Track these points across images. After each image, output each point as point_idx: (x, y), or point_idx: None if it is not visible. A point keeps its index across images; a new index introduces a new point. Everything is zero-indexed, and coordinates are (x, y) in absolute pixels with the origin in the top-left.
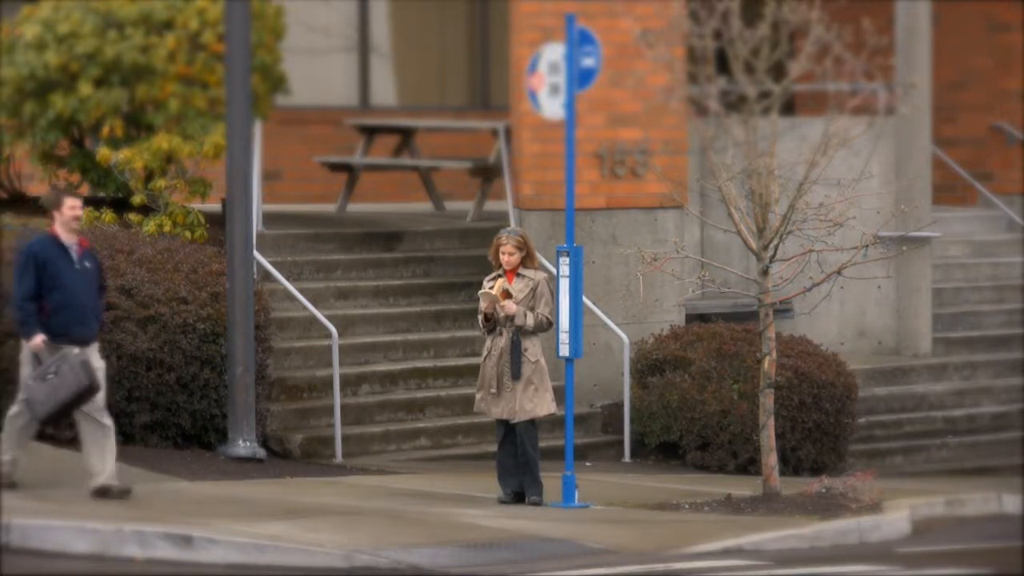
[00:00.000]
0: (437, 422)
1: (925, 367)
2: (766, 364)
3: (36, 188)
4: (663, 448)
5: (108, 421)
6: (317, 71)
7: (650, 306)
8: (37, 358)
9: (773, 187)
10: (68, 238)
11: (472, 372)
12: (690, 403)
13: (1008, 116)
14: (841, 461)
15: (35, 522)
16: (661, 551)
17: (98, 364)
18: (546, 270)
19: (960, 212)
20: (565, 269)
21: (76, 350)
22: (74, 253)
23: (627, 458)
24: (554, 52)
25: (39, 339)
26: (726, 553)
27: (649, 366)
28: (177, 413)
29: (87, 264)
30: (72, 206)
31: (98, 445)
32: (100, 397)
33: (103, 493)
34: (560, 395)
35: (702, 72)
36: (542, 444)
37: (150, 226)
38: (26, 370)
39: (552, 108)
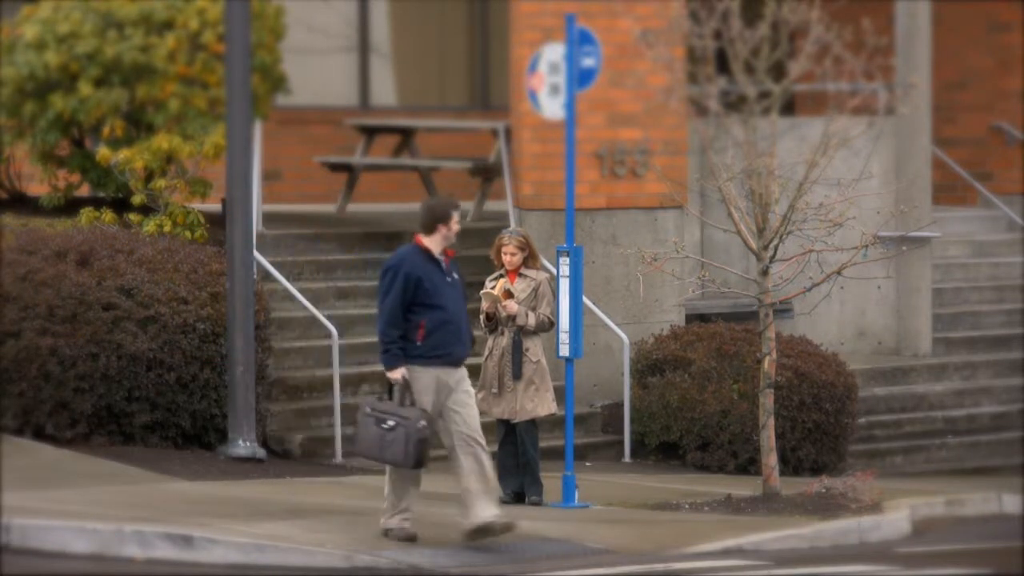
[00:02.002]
0: None
1: (925, 367)
2: (766, 364)
3: (36, 188)
4: (663, 448)
5: (471, 429)
6: (317, 71)
7: (650, 306)
8: (391, 387)
9: (773, 187)
10: (437, 250)
11: (472, 372)
12: (690, 403)
13: (1008, 116)
14: (841, 461)
15: (35, 522)
16: (661, 551)
17: (468, 391)
18: (546, 270)
19: (960, 212)
20: (565, 269)
21: (422, 422)
22: (444, 265)
23: (627, 458)
24: (554, 52)
25: (399, 373)
26: (726, 553)
27: (649, 366)
28: (177, 413)
29: (455, 275)
30: (457, 220)
31: (471, 473)
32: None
33: (482, 531)
34: (560, 395)
35: (702, 72)
36: (542, 444)
37: (150, 226)
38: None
39: (552, 108)
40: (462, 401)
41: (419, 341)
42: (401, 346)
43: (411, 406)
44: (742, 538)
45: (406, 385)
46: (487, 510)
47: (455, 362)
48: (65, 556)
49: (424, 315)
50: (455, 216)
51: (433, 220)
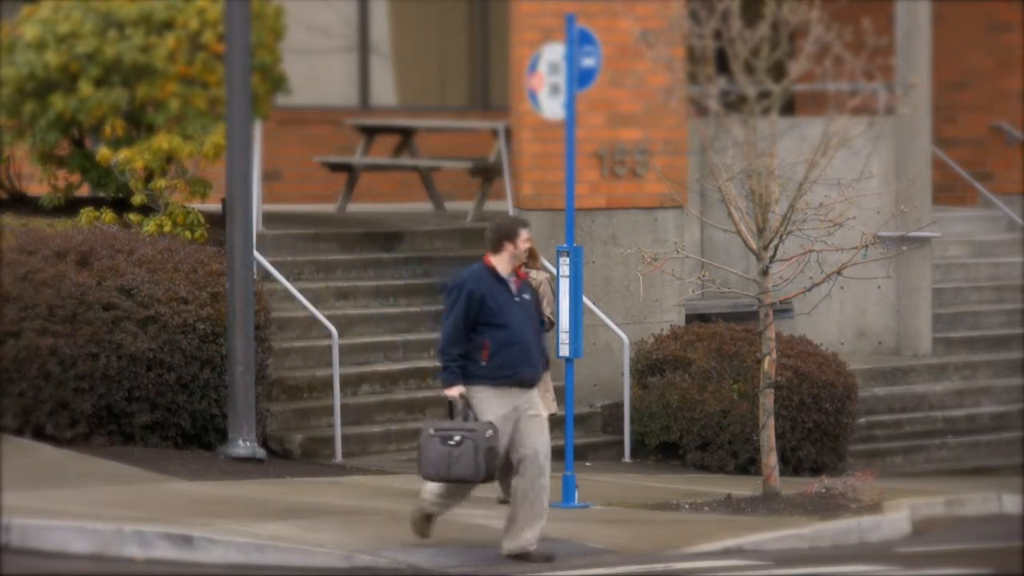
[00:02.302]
0: None
1: (925, 367)
2: (766, 364)
3: (36, 188)
4: (663, 448)
5: (543, 450)
6: (317, 71)
7: (650, 306)
8: (451, 405)
9: (773, 187)
10: (506, 270)
11: None
12: (690, 403)
13: (1008, 116)
14: (841, 461)
15: (35, 522)
16: (661, 551)
17: (537, 415)
18: (547, 270)
19: (960, 212)
20: (565, 269)
21: (490, 432)
22: (512, 285)
23: (627, 458)
24: (554, 52)
25: (457, 391)
26: (726, 553)
27: (649, 366)
28: (177, 413)
29: (526, 296)
30: (527, 239)
31: (526, 496)
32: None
33: (520, 557)
34: (560, 395)
35: (702, 72)
36: None
37: (150, 226)
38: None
39: (552, 108)
40: (527, 428)
41: (484, 361)
42: (461, 364)
43: (475, 420)
44: (742, 538)
45: (466, 402)
46: (528, 535)
47: (522, 383)
48: (65, 556)
49: (488, 335)
50: (523, 234)
51: (499, 238)
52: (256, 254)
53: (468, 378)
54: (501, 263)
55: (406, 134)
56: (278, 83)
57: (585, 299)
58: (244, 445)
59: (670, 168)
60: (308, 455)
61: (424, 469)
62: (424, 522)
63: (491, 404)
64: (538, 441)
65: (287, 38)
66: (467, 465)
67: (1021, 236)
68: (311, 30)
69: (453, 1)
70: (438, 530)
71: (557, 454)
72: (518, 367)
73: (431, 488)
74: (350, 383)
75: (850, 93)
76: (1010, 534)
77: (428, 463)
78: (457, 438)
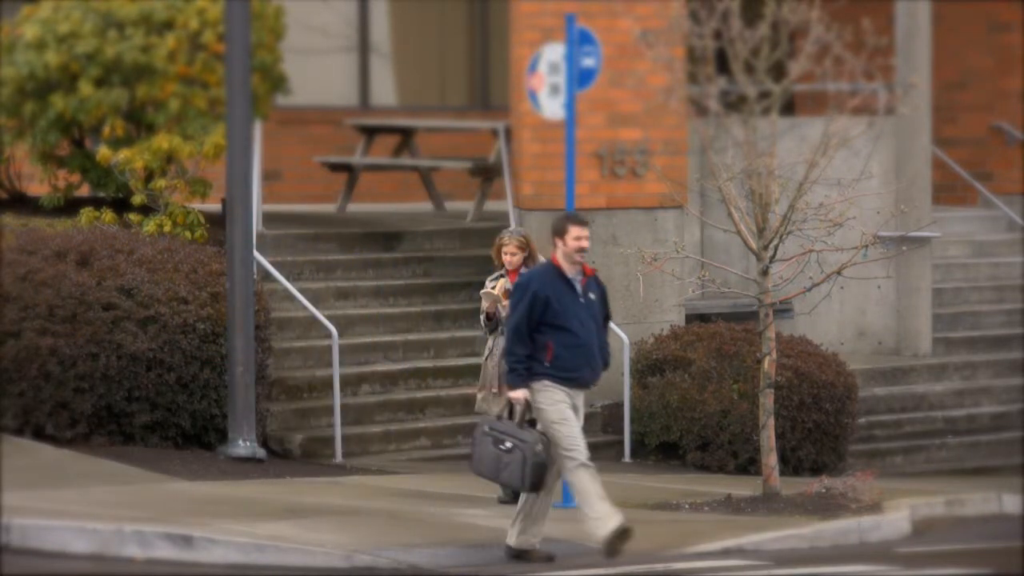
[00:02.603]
0: (437, 422)
1: (925, 367)
2: (766, 364)
3: (36, 188)
4: (663, 448)
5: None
6: (317, 71)
7: (650, 306)
8: (511, 406)
9: (773, 187)
10: (571, 269)
11: (472, 372)
12: (690, 403)
13: (1008, 116)
14: (841, 461)
15: (35, 522)
16: (661, 551)
17: (580, 410)
18: None
19: (960, 212)
20: None
21: (540, 446)
22: (578, 285)
23: (627, 458)
24: (554, 52)
25: (522, 394)
26: (726, 553)
27: (649, 366)
28: (177, 413)
29: (591, 296)
30: (578, 236)
31: (548, 497)
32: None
33: (523, 554)
34: None
35: (702, 72)
36: None
37: (150, 226)
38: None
39: (552, 108)
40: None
41: (547, 362)
42: (527, 366)
43: (530, 428)
44: (742, 538)
45: (527, 407)
46: (533, 537)
47: (583, 385)
48: (65, 556)
49: (551, 336)
50: (572, 230)
51: (552, 235)
52: (256, 254)
53: (532, 374)
54: (563, 262)
55: (406, 134)
56: (278, 83)
57: None
58: (244, 445)
59: (670, 168)
60: (308, 455)
61: (475, 465)
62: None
63: (554, 393)
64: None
65: (287, 38)
66: (514, 474)
67: (1021, 236)
68: (311, 30)
69: (453, 1)
70: (438, 530)
71: None
72: (579, 369)
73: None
74: (350, 383)
75: (850, 93)
76: (1010, 534)
77: (479, 460)
78: (508, 445)
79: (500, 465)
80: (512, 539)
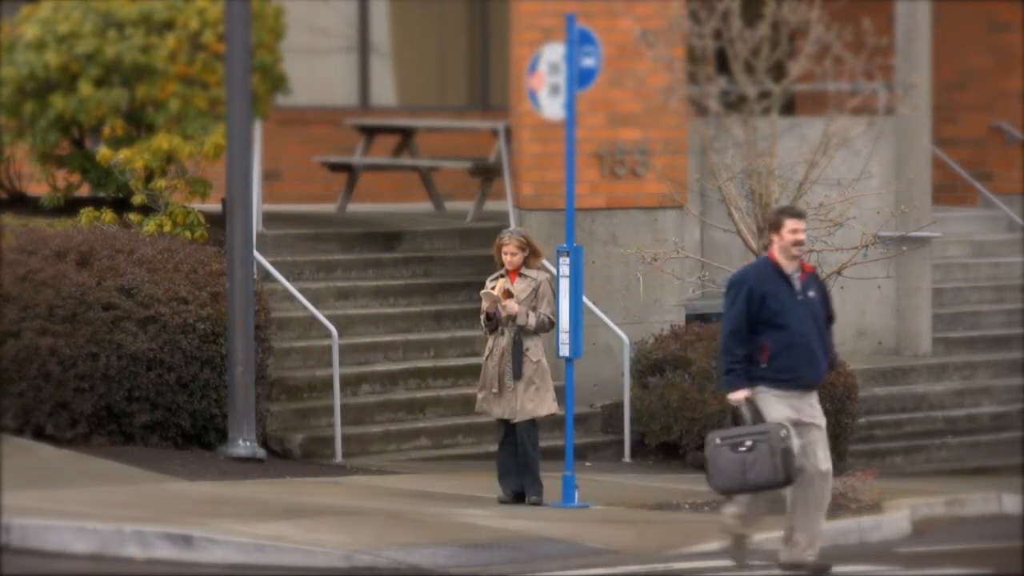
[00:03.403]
0: (437, 422)
1: (925, 367)
2: None
3: (36, 188)
4: (663, 448)
5: (826, 466)
6: (317, 71)
7: (650, 306)
8: (735, 411)
9: (773, 187)
10: (789, 265)
11: (472, 372)
12: (690, 403)
13: (1008, 116)
14: (841, 461)
15: (35, 522)
16: (661, 551)
17: (818, 417)
18: (547, 270)
19: (960, 212)
20: (565, 269)
21: (783, 431)
22: (796, 282)
23: (627, 458)
24: (554, 52)
25: (741, 395)
26: (726, 553)
27: (649, 366)
28: (177, 413)
29: (810, 294)
30: (794, 229)
31: (807, 507)
32: (820, 446)
33: (795, 567)
34: (560, 395)
35: (702, 72)
36: (542, 444)
37: (150, 226)
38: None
39: (552, 108)
40: (807, 438)
41: (764, 363)
42: (745, 367)
43: (764, 422)
44: None
45: (752, 406)
46: (808, 550)
47: (805, 386)
48: (65, 556)
49: (768, 335)
50: (788, 223)
51: (767, 229)
52: (256, 254)
53: (748, 379)
54: (780, 257)
55: (406, 134)
56: (278, 83)
57: (585, 299)
58: (244, 445)
59: (670, 168)
60: (308, 455)
61: (716, 481)
62: (738, 546)
63: (773, 406)
64: (818, 456)
65: (287, 38)
66: (764, 469)
67: (1021, 236)
68: (311, 30)
69: (453, 1)
70: (438, 530)
71: (557, 454)
72: (800, 369)
73: (731, 508)
74: (350, 383)
75: (850, 93)
76: (1010, 534)
77: (719, 474)
78: (749, 443)
79: (746, 468)
80: (783, 554)
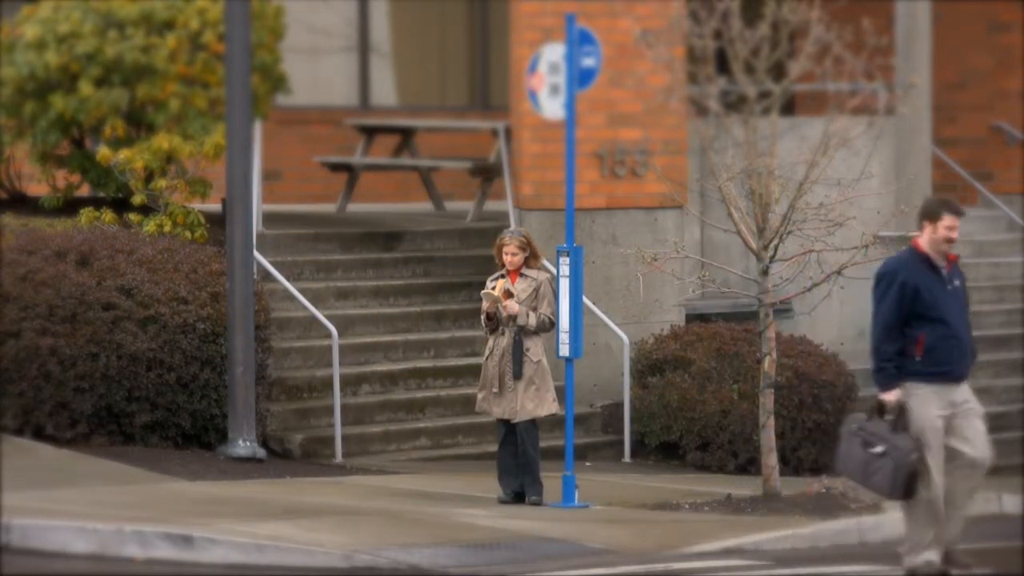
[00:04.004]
0: (437, 422)
1: None
2: (766, 364)
3: (36, 188)
4: (663, 448)
5: (979, 453)
6: (317, 71)
7: (650, 306)
8: (880, 406)
9: (773, 187)
10: (938, 256)
11: (472, 372)
12: (690, 403)
13: (1008, 116)
14: None
15: (35, 522)
16: (661, 551)
17: (972, 409)
18: (547, 270)
19: None
20: (565, 269)
21: (915, 454)
22: (944, 273)
23: (627, 458)
24: (554, 52)
25: (894, 395)
26: (726, 553)
27: (649, 366)
28: (177, 413)
29: (956, 283)
30: (950, 226)
31: (954, 496)
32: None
33: (947, 560)
34: (560, 395)
35: (702, 72)
36: (542, 444)
37: (150, 226)
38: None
39: (552, 108)
40: (962, 425)
41: (917, 357)
42: (897, 364)
43: (904, 432)
44: (742, 538)
45: (901, 410)
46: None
47: (956, 379)
48: (65, 556)
49: (923, 329)
50: (947, 218)
51: (920, 217)
52: (256, 254)
53: (902, 374)
54: (929, 249)
55: (406, 134)
56: (278, 83)
57: (585, 299)
58: (244, 445)
59: (670, 168)
60: (308, 455)
61: (840, 464)
62: (950, 560)
63: (928, 403)
64: (976, 443)
65: (287, 38)
66: (883, 481)
67: (1021, 236)
68: (311, 30)
69: (453, 1)
70: (438, 530)
71: (557, 454)
72: (954, 363)
73: (907, 543)
74: (350, 383)
75: (850, 93)
76: (1010, 534)
77: (845, 460)
78: (880, 449)
79: (869, 470)
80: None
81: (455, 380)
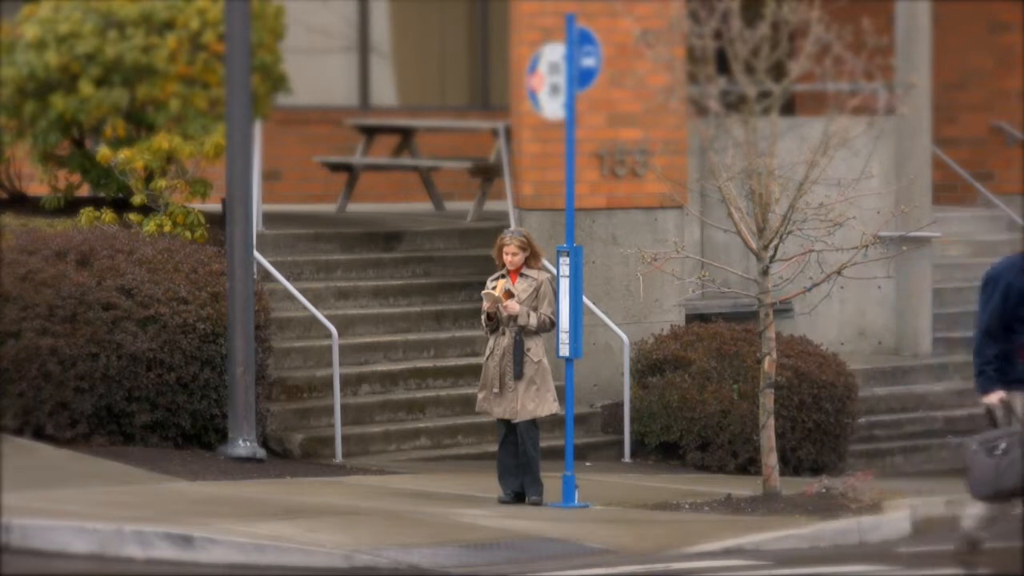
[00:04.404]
0: (437, 422)
1: (925, 367)
2: (766, 364)
3: (36, 188)
4: (663, 448)
5: None
6: (317, 71)
7: (650, 306)
8: (992, 412)
9: (773, 187)
10: None
11: (472, 372)
12: (690, 403)
13: (1008, 116)
14: (841, 461)
15: (35, 522)
16: (661, 551)
17: None
18: (547, 270)
19: (960, 212)
20: (565, 269)
21: None
22: None
23: (627, 458)
24: (554, 52)
25: (996, 396)
26: (726, 553)
27: (649, 366)
28: (177, 413)
29: None
30: None
31: None
32: None
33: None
34: (560, 395)
35: (702, 72)
36: (543, 444)
37: (150, 226)
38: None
39: (552, 108)
40: None
41: (1021, 363)
42: (996, 367)
43: (1017, 422)
44: (742, 538)
45: (1007, 407)
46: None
47: None
48: (65, 556)
49: (1018, 334)
50: None
51: None
52: (256, 254)
53: (1003, 381)
54: None
55: (406, 134)
56: (278, 83)
57: (585, 299)
58: (244, 445)
59: (670, 168)
60: (308, 455)
61: (974, 488)
62: (971, 551)
63: None
64: None
65: (287, 38)
66: (1016, 472)
67: (1021, 236)
68: (311, 30)
69: (453, 1)
70: (438, 530)
71: (557, 454)
72: None
73: (974, 512)
74: (350, 383)
75: (850, 93)
76: (1010, 534)
77: (975, 481)
78: (1003, 445)
79: (999, 472)
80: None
81: (455, 380)
